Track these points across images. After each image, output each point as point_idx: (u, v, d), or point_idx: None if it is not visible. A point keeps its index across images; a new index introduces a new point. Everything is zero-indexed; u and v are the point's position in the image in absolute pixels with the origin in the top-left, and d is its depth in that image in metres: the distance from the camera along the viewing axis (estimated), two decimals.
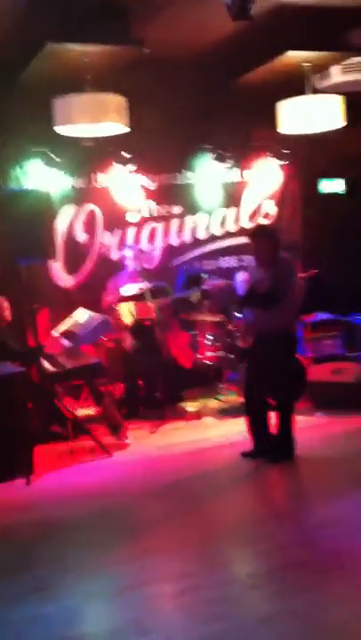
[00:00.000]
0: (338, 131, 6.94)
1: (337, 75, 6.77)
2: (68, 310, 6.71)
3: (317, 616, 3.17)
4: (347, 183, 8.57)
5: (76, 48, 5.77)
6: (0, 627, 3.32)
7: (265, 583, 3.55)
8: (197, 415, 6.79)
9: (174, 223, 7.99)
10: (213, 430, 6.41)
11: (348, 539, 3.94)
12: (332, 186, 8.65)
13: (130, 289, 6.95)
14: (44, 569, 3.88)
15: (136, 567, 3.80)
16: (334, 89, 6.91)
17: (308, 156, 8.25)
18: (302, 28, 6.12)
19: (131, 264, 7.12)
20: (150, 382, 7.14)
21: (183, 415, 6.80)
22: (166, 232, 7.96)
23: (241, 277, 7.40)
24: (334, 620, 3.12)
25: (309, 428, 6.13)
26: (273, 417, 5.46)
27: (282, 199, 8.41)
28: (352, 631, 3.05)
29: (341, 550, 3.80)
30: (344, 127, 6.85)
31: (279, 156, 8.08)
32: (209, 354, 6.98)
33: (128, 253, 7.22)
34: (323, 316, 7.83)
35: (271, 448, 5.38)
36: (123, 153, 7.42)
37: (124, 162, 7.48)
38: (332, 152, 8.07)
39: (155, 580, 3.66)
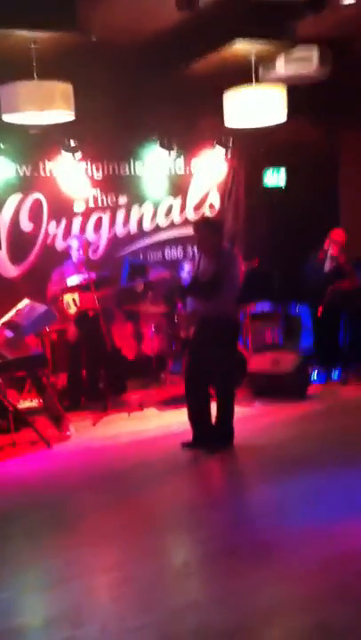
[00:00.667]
0: (282, 123, 7.00)
1: (281, 66, 6.81)
2: (12, 300, 6.63)
3: (245, 602, 3.24)
4: (287, 174, 8.67)
5: (24, 34, 5.68)
6: None
7: (198, 570, 3.61)
8: (140, 406, 6.80)
9: (120, 213, 7.96)
10: (155, 421, 6.45)
11: (279, 524, 4.05)
12: (276, 177, 8.73)
13: (74, 279, 6.91)
14: None
15: (71, 558, 3.82)
16: (279, 81, 6.95)
17: (253, 147, 8.31)
18: (248, 19, 6.14)
19: (76, 254, 7.06)
20: (93, 373, 7.12)
21: (126, 406, 6.81)
22: (112, 222, 7.93)
23: (186, 268, 7.43)
24: (260, 607, 3.19)
25: (248, 417, 6.24)
26: (213, 406, 5.51)
27: (226, 190, 8.46)
28: (280, 614, 3.13)
29: (273, 535, 3.90)
30: (288, 119, 6.91)
31: (224, 147, 8.11)
32: (152, 344, 6.99)
33: (74, 243, 7.16)
34: (263, 306, 7.95)
35: (210, 437, 5.44)
36: (68, 141, 7.33)
37: (71, 150, 7.40)
38: (276, 143, 8.15)
39: (90, 571, 3.69)
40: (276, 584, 3.37)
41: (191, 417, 5.53)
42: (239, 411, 5.78)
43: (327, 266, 7.27)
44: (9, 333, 6.15)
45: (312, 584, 3.35)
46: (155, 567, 3.65)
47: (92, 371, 7.14)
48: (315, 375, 7.32)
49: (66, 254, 7.29)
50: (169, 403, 6.87)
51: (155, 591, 3.40)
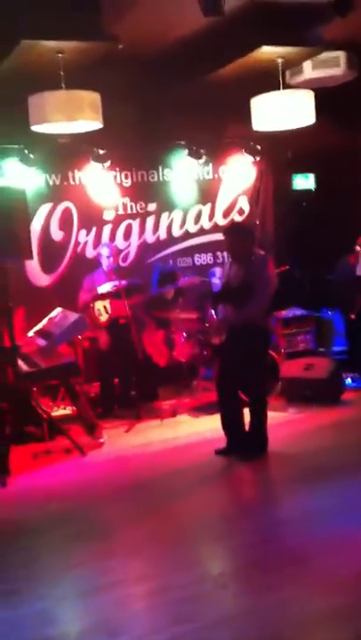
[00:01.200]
0: (308, 126, 6.96)
1: (309, 70, 6.77)
2: (44, 309, 6.71)
3: (282, 614, 3.21)
4: (316, 178, 8.61)
5: (50, 44, 5.73)
6: None
7: (232, 581, 3.58)
8: (172, 413, 6.80)
9: (150, 220, 7.98)
10: (188, 428, 6.43)
11: (313, 534, 3.99)
12: (304, 182, 8.68)
13: (105, 287, 6.94)
14: (16, 572, 3.89)
15: (106, 568, 3.83)
16: (306, 84, 6.92)
17: (281, 152, 8.28)
18: (275, 24, 6.11)
19: (106, 262, 7.10)
20: (125, 381, 7.14)
21: (158, 413, 6.81)
22: (142, 229, 7.95)
23: (217, 274, 7.41)
24: (295, 620, 3.16)
25: (282, 423, 6.20)
26: (246, 413, 5.48)
27: (255, 195, 8.43)
28: (317, 626, 3.09)
29: (308, 546, 3.85)
30: (314, 123, 6.87)
31: (252, 152, 8.08)
32: (184, 351, 6.98)
33: (104, 251, 7.20)
34: (295, 311, 7.89)
35: (244, 444, 5.41)
36: (97, 150, 7.38)
37: (100, 159, 7.45)
38: (304, 148, 8.10)
39: (124, 580, 3.69)
40: (312, 595, 3.33)
41: (224, 424, 5.51)
42: (272, 417, 5.74)
43: (359, 270, 7.19)
44: (42, 342, 6.21)
45: (348, 594, 3.30)
46: (187, 578, 3.62)
47: (124, 378, 7.16)
48: (349, 380, 7.23)
49: (96, 262, 7.33)
50: (202, 410, 6.85)
51: (188, 602, 3.38)
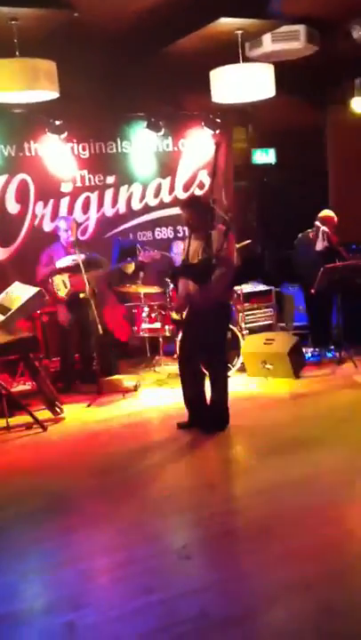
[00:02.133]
0: (268, 101, 6.93)
1: (268, 43, 6.73)
2: (1, 284, 6.58)
3: (247, 585, 3.25)
4: (276, 153, 8.62)
5: (3, 10, 5.56)
6: None
7: (199, 553, 3.61)
8: (134, 388, 6.79)
9: (108, 193, 7.89)
10: (149, 402, 6.43)
11: (279, 505, 4.04)
12: (265, 157, 8.68)
13: (64, 261, 6.85)
14: None
15: (70, 542, 3.83)
16: (266, 58, 6.87)
17: (240, 126, 8.25)
18: None
19: (64, 235, 7.00)
20: (86, 356, 7.09)
21: (120, 388, 6.79)
22: (100, 202, 7.85)
23: (177, 248, 7.38)
24: (261, 589, 3.20)
25: (243, 398, 6.24)
26: (207, 388, 5.50)
27: (214, 169, 8.39)
28: (284, 596, 3.13)
29: (272, 517, 3.89)
30: (274, 97, 6.85)
31: (212, 126, 8.03)
32: (145, 326, 6.96)
33: (62, 224, 7.09)
34: (256, 286, 7.93)
35: (206, 418, 5.44)
36: (53, 120, 7.24)
37: (57, 130, 7.31)
38: (264, 122, 8.09)
39: (89, 554, 3.69)
40: (277, 566, 3.37)
41: (186, 398, 5.53)
42: (234, 391, 5.77)
43: (319, 245, 7.23)
44: (0, 317, 6.10)
45: (313, 566, 3.35)
46: (154, 550, 3.65)
47: (85, 353, 7.11)
48: (308, 355, 7.32)
49: (54, 236, 7.23)
50: (163, 384, 6.86)
51: (155, 574, 3.40)
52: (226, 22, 6.31)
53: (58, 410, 6.16)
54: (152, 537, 3.82)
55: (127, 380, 7.03)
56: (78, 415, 6.20)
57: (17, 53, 5.92)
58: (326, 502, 4.01)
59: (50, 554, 3.74)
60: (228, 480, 4.66)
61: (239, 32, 6.54)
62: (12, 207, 7.41)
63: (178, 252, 7.34)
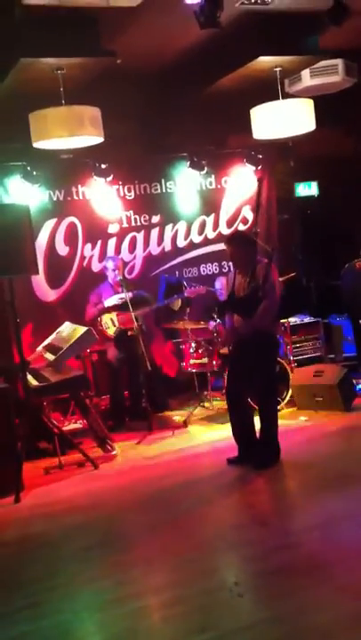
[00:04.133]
0: (308, 134, 7.00)
1: (307, 79, 6.82)
2: (52, 324, 6.74)
3: (301, 621, 3.19)
4: (318, 186, 8.64)
5: (49, 61, 5.79)
6: None
7: (250, 590, 3.57)
8: (183, 424, 6.80)
9: (154, 232, 8.02)
10: (200, 438, 6.42)
11: (331, 541, 3.97)
12: (307, 190, 8.72)
13: (112, 300, 6.97)
14: (33, 586, 3.89)
15: (123, 579, 3.83)
16: (305, 92, 6.96)
17: (282, 161, 8.32)
18: (271, 34, 6.18)
19: (111, 275, 7.13)
20: (135, 393, 7.15)
21: (169, 424, 6.81)
22: (146, 241, 7.98)
23: (220, 283, 7.43)
24: (317, 625, 3.14)
25: (293, 431, 6.18)
26: (257, 422, 5.48)
27: (257, 204, 8.45)
28: (335, 635, 3.06)
29: (324, 553, 3.83)
30: (315, 130, 6.91)
31: (254, 162, 8.12)
32: (193, 361, 6.99)
33: (109, 264, 7.23)
34: (303, 318, 7.89)
35: (256, 453, 5.40)
36: (99, 164, 7.43)
37: (102, 173, 7.50)
38: (306, 155, 8.14)
39: (141, 592, 3.68)
40: (331, 600, 3.30)
41: (235, 433, 5.50)
42: (283, 425, 5.73)
43: None
44: (50, 356, 6.23)
45: None
46: (206, 587, 3.61)
47: (134, 390, 7.16)
48: (359, 386, 7.21)
49: (102, 276, 7.37)
50: (212, 419, 6.85)
51: (208, 611, 3.37)
52: (265, 60, 6.44)
53: (109, 447, 6.20)
54: (205, 574, 3.78)
55: (176, 416, 7.05)
56: (129, 452, 6.23)
57: (63, 102, 6.14)
58: None
59: (103, 591, 3.74)
60: (279, 515, 4.59)
61: (278, 69, 6.66)
62: (62, 249, 7.59)
63: (220, 287, 7.39)
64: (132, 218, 7.91)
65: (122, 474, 5.72)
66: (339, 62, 6.77)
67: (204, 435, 6.50)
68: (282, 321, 7.24)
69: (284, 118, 6.75)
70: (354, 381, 7.05)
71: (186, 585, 3.65)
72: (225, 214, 8.35)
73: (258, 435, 5.49)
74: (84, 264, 7.68)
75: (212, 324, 6.98)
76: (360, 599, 3.29)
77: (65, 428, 6.43)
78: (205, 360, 6.95)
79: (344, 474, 5.01)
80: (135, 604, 3.54)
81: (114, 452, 6.18)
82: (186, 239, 8.18)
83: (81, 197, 7.67)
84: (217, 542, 4.19)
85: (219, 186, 8.32)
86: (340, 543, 3.92)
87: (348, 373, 6.86)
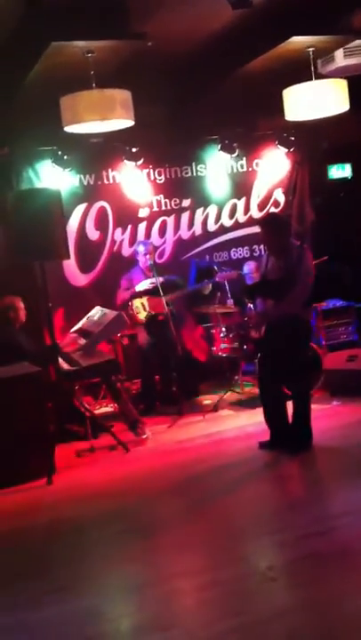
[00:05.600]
0: (341, 115, 6.87)
1: (340, 59, 6.69)
2: (83, 309, 6.76)
3: (335, 607, 3.17)
4: (352, 168, 8.51)
5: (80, 44, 5.76)
6: (21, 629, 3.35)
7: (283, 575, 3.56)
8: (214, 408, 6.79)
9: (184, 216, 7.97)
10: (231, 423, 6.41)
11: None
12: (340, 172, 8.59)
13: (143, 284, 6.97)
14: (63, 569, 3.93)
15: (155, 563, 3.85)
16: (338, 73, 6.83)
17: (315, 143, 8.19)
18: (304, 13, 6.06)
19: (142, 259, 7.12)
20: (166, 377, 7.16)
21: (200, 409, 6.80)
22: (176, 225, 7.94)
23: (248, 268, 7.38)
24: (352, 611, 3.11)
25: (326, 416, 6.14)
26: (289, 406, 5.44)
27: (290, 187, 8.36)
28: None
29: (357, 539, 3.79)
30: (348, 111, 6.79)
31: (286, 144, 8.01)
32: (223, 346, 6.97)
33: (140, 249, 7.23)
34: (335, 303, 7.80)
35: (288, 438, 5.37)
36: (129, 148, 7.40)
37: (133, 157, 7.47)
38: (337, 137, 8.00)
39: (173, 575, 3.69)
40: None
41: (267, 418, 5.48)
42: (316, 410, 5.69)
43: None
44: (82, 341, 6.25)
45: None
46: (238, 572, 3.61)
47: (165, 374, 7.17)
48: None
49: (133, 260, 7.37)
50: (243, 404, 6.83)
51: (240, 596, 3.37)
52: (297, 40, 6.32)
53: (140, 431, 6.22)
54: (237, 559, 3.79)
55: (207, 400, 7.05)
56: (160, 436, 6.25)
57: (93, 85, 6.11)
58: None
59: (135, 575, 3.76)
60: (312, 501, 4.56)
61: (311, 49, 6.54)
62: (92, 234, 7.60)
63: (249, 271, 7.34)
64: (163, 202, 7.88)
65: (153, 458, 5.74)
66: None
67: (235, 419, 6.49)
68: (314, 305, 7.17)
69: (317, 99, 6.63)
70: None
71: (219, 569, 3.65)
72: (256, 198, 8.26)
73: (290, 419, 5.45)
74: (115, 248, 7.68)
75: (244, 308, 6.94)
76: None
77: (96, 412, 6.46)
78: (236, 345, 6.92)
79: None
80: (166, 587, 3.55)
81: (145, 436, 6.20)
82: (216, 223, 8.12)
83: (111, 181, 7.65)
84: (249, 527, 4.20)
85: (250, 169, 8.24)
86: None
87: None
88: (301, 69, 6.72)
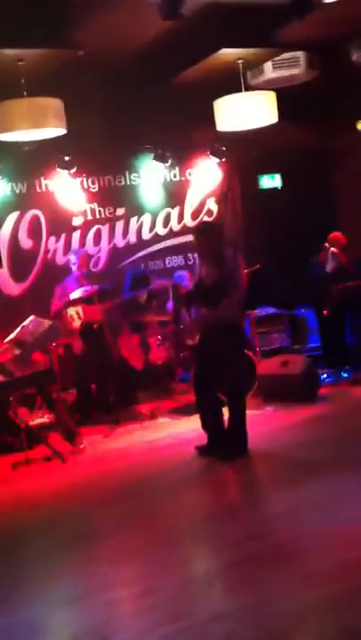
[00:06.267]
0: (271, 126, 7.04)
1: (269, 71, 6.85)
2: (17, 318, 6.66)
3: (271, 609, 3.23)
4: (282, 178, 8.71)
5: (10, 52, 5.72)
6: None
7: (220, 580, 3.60)
8: (152, 416, 6.81)
9: (119, 225, 7.99)
10: (168, 430, 6.44)
11: (299, 529, 4.02)
12: (271, 181, 8.78)
13: (77, 293, 6.94)
14: (5, 579, 3.87)
15: (94, 572, 3.83)
16: (267, 85, 7.00)
17: (246, 153, 8.35)
18: (234, 26, 6.18)
19: (76, 268, 7.09)
20: (103, 386, 7.14)
21: (137, 417, 6.81)
22: (111, 234, 7.95)
23: (184, 276, 7.44)
24: (285, 613, 3.18)
25: (260, 421, 6.24)
26: (225, 412, 5.52)
27: (222, 196, 8.48)
28: (307, 619, 3.11)
29: (292, 541, 3.87)
30: (277, 122, 6.96)
31: (218, 154, 8.14)
32: (159, 353, 7.00)
33: (72, 258, 7.20)
34: (268, 310, 7.97)
35: (224, 443, 5.44)
36: (62, 156, 7.37)
37: (66, 165, 7.44)
38: (268, 148, 8.19)
39: (112, 584, 3.69)
40: (300, 589, 3.34)
41: (204, 424, 5.54)
42: (251, 415, 5.78)
43: (329, 266, 7.29)
44: (16, 351, 6.17)
45: (335, 588, 3.31)
46: (178, 578, 3.63)
47: (102, 383, 7.15)
48: (324, 376, 7.31)
49: (67, 269, 7.33)
50: (180, 411, 6.87)
51: (180, 602, 3.38)
52: (227, 52, 6.45)
53: (77, 441, 6.18)
54: (175, 565, 3.81)
55: (144, 408, 7.06)
56: (97, 446, 6.23)
57: (25, 93, 6.07)
58: (346, 524, 3.98)
59: (74, 585, 3.74)
60: (248, 505, 4.64)
61: (240, 61, 6.68)
62: (25, 243, 7.53)
63: (184, 279, 7.41)
64: (97, 210, 7.88)
65: (90, 467, 5.71)
66: (301, 55, 6.79)
67: (172, 426, 6.52)
68: (247, 312, 7.30)
69: (246, 110, 6.79)
70: (319, 371, 7.14)
71: (158, 576, 3.67)
72: (190, 207, 8.36)
73: (226, 425, 5.53)
74: (49, 257, 7.63)
75: (179, 315, 6.99)
76: (327, 587, 3.34)
77: (32, 423, 6.39)
78: (172, 352, 6.97)
79: (310, 463, 5.08)
80: (107, 596, 3.54)
81: (81, 446, 6.17)
82: (151, 232, 8.17)
83: (44, 190, 7.61)
84: (187, 533, 4.23)
85: (183, 178, 8.33)
86: (307, 531, 3.97)
87: (313, 364, 6.94)
88: (232, 81, 6.86)
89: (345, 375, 7.38)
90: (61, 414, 6.23)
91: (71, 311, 6.97)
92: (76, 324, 6.96)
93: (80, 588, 3.68)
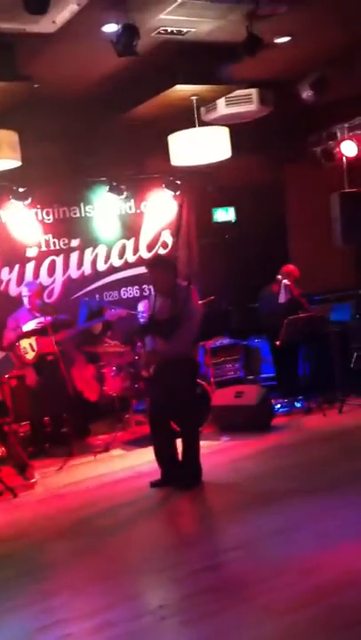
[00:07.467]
0: (226, 161, 7.18)
1: (222, 107, 7.00)
2: None
3: (232, 638, 3.19)
4: (236, 211, 8.86)
5: None
6: None
7: (175, 612, 3.56)
8: (106, 448, 6.75)
9: (74, 256, 7.98)
10: (122, 462, 6.38)
11: (255, 559, 4.02)
12: (225, 215, 8.92)
13: (30, 324, 6.88)
14: None
15: (48, 608, 3.75)
16: (221, 120, 7.15)
17: (200, 187, 8.48)
18: (188, 63, 6.32)
19: (27, 301, 7.04)
20: (56, 418, 7.05)
21: (91, 449, 6.74)
22: (66, 265, 7.93)
23: (143, 306, 7.45)
24: None
25: (215, 452, 6.25)
26: (179, 444, 5.50)
27: (177, 229, 8.56)
28: None
29: (247, 572, 3.87)
30: (232, 157, 7.10)
31: (172, 187, 8.24)
32: (114, 385, 6.96)
33: (24, 291, 7.15)
34: (222, 341, 8.04)
35: (179, 475, 5.42)
36: (16, 187, 7.36)
37: (20, 197, 7.43)
38: (222, 182, 8.33)
39: (67, 619, 3.62)
40: (256, 620, 3.34)
41: (158, 456, 5.51)
42: (205, 446, 5.78)
43: (281, 298, 7.40)
44: None
45: (291, 618, 3.31)
46: (131, 612, 3.58)
47: (55, 415, 7.06)
48: (278, 406, 7.37)
49: (20, 300, 7.26)
50: (135, 443, 6.83)
51: (136, 635, 3.34)
52: (181, 89, 6.57)
53: (28, 475, 6.07)
54: (129, 598, 3.75)
55: (98, 440, 6.98)
56: (50, 479, 6.12)
57: None
58: (303, 553, 3.99)
59: (28, 621, 3.65)
60: (203, 536, 4.61)
61: (194, 98, 6.81)
62: None
63: (143, 310, 7.42)
64: (51, 241, 7.86)
65: (42, 502, 5.61)
66: (253, 92, 6.97)
67: (127, 459, 6.47)
68: (202, 343, 7.33)
69: (200, 145, 6.91)
70: (273, 401, 7.20)
71: (112, 610, 3.61)
72: (145, 238, 8.40)
73: (180, 456, 5.51)
74: (2, 288, 7.55)
75: (134, 347, 6.99)
76: (284, 617, 3.34)
77: None
78: (127, 383, 6.94)
79: (265, 492, 5.10)
80: (62, 631, 3.48)
81: (33, 480, 6.06)
82: (106, 263, 8.18)
83: None
84: (142, 566, 4.18)
85: (138, 210, 8.38)
86: (263, 561, 3.97)
87: (267, 394, 7.00)
88: (186, 116, 6.98)
89: (298, 405, 7.45)
90: (13, 447, 6.12)
91: (24, 343, 6.91)
92: (30, 356, 6.89)
93: (34, 624, 3.60)
